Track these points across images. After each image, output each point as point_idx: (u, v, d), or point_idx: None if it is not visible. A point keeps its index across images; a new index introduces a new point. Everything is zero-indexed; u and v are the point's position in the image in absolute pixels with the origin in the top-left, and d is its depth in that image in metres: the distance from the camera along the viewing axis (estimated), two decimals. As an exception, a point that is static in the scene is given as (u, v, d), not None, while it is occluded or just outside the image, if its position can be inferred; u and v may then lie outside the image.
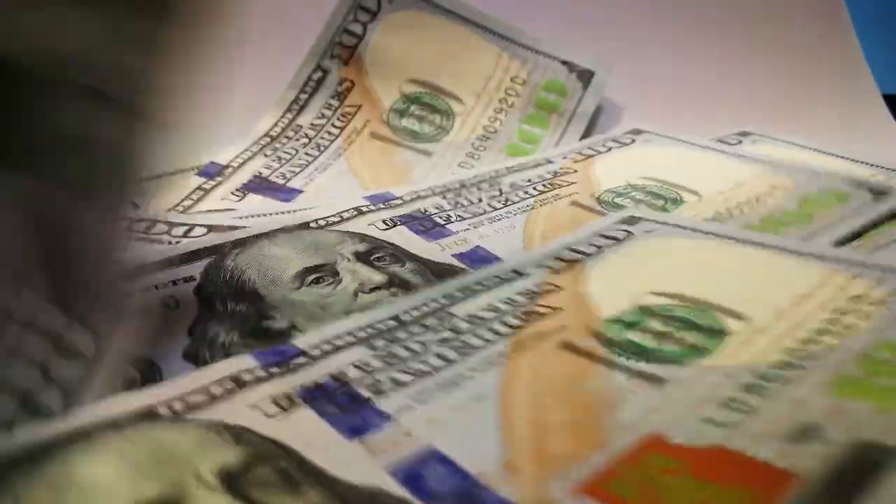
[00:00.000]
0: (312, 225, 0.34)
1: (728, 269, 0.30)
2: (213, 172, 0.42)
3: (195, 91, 0.22)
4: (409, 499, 0.19)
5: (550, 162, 0.42)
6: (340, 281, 0.30)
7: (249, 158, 0.43)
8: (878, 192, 0.37)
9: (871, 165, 0.42)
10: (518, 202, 0.38)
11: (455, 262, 0.33)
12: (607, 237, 0.32)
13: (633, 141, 0.45)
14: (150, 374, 0.25)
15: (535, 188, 0.39)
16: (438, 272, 0.32)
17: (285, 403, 0.22)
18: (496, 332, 0.27)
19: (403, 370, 0.24)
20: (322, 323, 0.27)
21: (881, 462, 0.19)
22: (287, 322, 0.28)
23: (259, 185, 0.41)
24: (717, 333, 0.26)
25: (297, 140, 0.45)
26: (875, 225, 0.35)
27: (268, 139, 0.45)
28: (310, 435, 0.21)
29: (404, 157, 0.45)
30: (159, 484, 0.18)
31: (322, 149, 0.45)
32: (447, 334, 0.26)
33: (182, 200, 0.40)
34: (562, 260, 0.31)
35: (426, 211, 0.36)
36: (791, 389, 0.22)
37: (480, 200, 0.38)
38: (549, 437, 0.21)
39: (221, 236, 0.32)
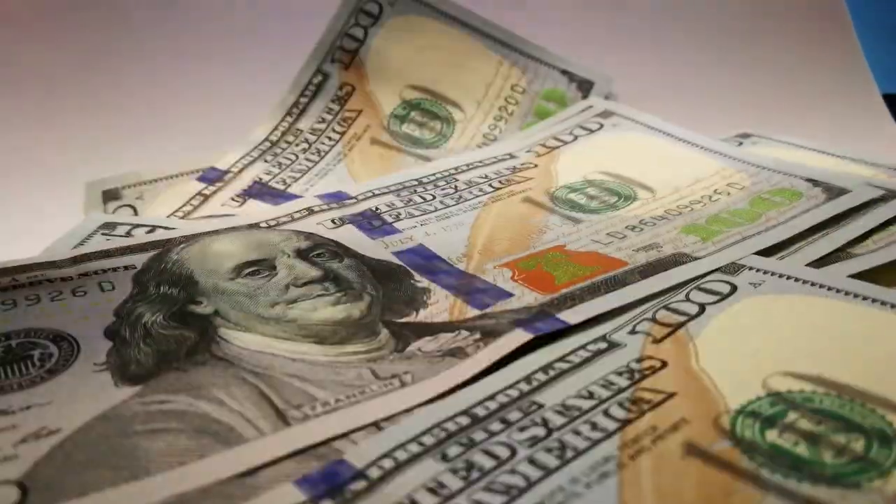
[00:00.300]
0: (262, 225, 0.35)
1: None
2: (213, 178, 0.42)
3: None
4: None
5: (513, 157, 0.43)
6: (276, 274, 0.31)
7: (250, 164, 0.44)
8: (834, 192, 0.36)
9: (873, 164, 0.42)
10: (471, 199, 0.38)
11: (394, 259, 0.33)
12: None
13: (601, 126, 0.45)
14: (68, 348, 0.26)
15: (490, 185, 0.40)
16: (378, 269, 0.33)
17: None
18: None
19: (490, 489, 0.20)
20: (248, 313, 0.29)
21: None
22: (212, 308, 0.29)
23: (259, 190, 0.42)
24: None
25: (297, 145, 0.45)
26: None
27: (268, 144, 0.45)
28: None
29: (405, 162, 0.45)
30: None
31: (322, 154, 0.45)
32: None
33: (183, 206, 0.41)
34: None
35: (377, 209, 0.37)
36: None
37: (433, 198, 0.38)
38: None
39: (171, 233, 0.34)
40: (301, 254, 0.32)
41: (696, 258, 0.31)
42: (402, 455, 0.21)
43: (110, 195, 0.42)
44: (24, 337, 0.27)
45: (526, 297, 0.30)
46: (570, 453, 0.21)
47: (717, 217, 0.35)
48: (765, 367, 0.24)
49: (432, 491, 0.19)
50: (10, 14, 0.52)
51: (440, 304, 0.30)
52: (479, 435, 0.22)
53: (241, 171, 0.43)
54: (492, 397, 0.24)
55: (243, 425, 0.23)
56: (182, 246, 0.33)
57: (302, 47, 0.49)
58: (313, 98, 0.47)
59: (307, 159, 0.44)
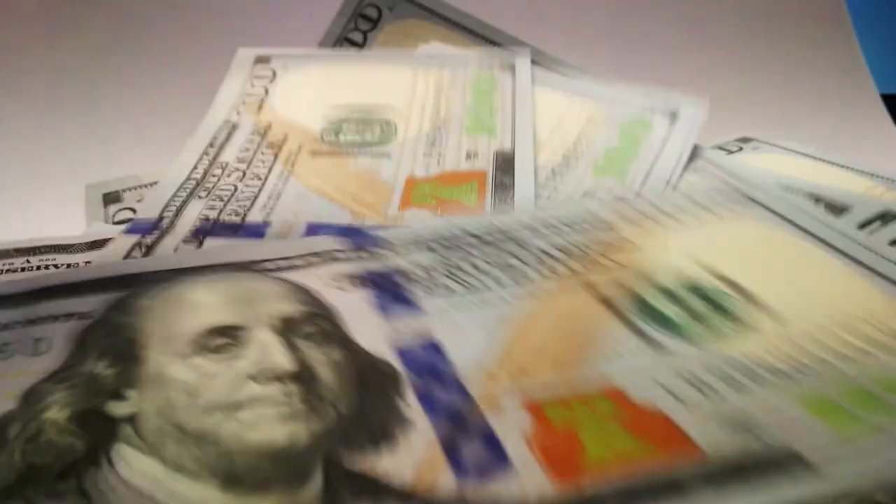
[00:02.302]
0: (268, 265, 0.30)
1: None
2: (146, 227, 0.37)
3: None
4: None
5: (611, 229, 0.34)
6: (240, 354, 0.24)
7: (183, 204, 0.38)
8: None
9: (872, 175, 0.42)
10: (534, 281, 0.30)
11: (392, 358, 0.25)
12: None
13: (733, 212, 0.37)
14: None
15: (567, 265, 0.31)
16: (366, 372, 0.25)
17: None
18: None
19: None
20: (171, 423, 0.23)
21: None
22: (133, 410, 0.23)
23: (212, 227, 0.37)
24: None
25: (228, 176, 0.41)
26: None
27: (193, 182, 0.40)
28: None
29: (364, 162, 0.42)
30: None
31: (262, 178, 0.40)
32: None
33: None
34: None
35: (409, 271, 0.29)
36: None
37: (487, 271, 0.30)
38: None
39: (163, 261, 0.28)
40: (286, 325, 0.25)
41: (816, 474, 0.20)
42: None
43: (111, 198, 0.40)
44: None
45: (530, 476, 0.21)
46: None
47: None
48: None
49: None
50: (11, 16, 0.52)
51: (411, 454, 0.22)
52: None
53: (176, 213, 0.38)
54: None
55: None
56: (149, 287, 0.27)
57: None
58: (228, 139, 0.43)
59: (247, 186, 0.40)
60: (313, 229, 0.36)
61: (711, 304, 0.29)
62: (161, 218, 0.37)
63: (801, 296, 0.29)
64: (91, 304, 0.27)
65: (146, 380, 0.24)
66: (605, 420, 0.23)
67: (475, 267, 0.30)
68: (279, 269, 0.30)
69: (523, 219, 0.34)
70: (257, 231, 0.36)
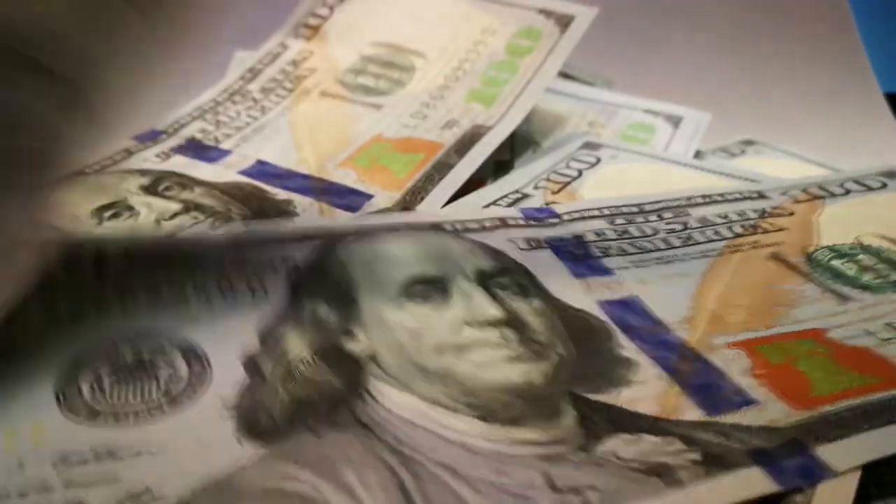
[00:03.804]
0: (447, 227, 0.31)
1: None
2: (147, 137, 0.40)
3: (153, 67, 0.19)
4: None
5: (763, 196, 0.36)
6: (448, 303, 0.25)
7: (187, 123, 0.41)
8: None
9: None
10: (703, 243, 0.32)
11: (596, 311, 0.27)
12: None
13: (884, 186, 0.37)
14: (199, 371, 0.22)
15: (731, 228, 0.33)
16: (573, 321, 0.27)
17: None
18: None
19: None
20: (409, 361, 0.24)
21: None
22: (368, 347, 0.24)
23: (189, 146, 0.39)
24: None
25: (242, 104, 0.43)
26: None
27: (212, 104, 0.43)
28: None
29: (352, 110, 0.42)
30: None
31: (266, 111, 0.43)
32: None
33: (102, 160, 0.37)
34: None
35: (583, 237, 0.31)
36: None
37: (655, 233, 0.31)
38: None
39: (337, 221, 0.32)
40: (482, 278, 0.27)
41: None
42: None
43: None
44: (154, 345, 0.23)
45: (771, 407, 0.22)
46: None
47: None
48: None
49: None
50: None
51: (647, 388, 0.23)
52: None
53: (176, 130, 0.41)
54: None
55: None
56: (349, 241, 0.29)
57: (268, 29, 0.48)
58: (269, 65, 0.46)
59: (249, 116, 0.42)
60: (258, 166, 0.37)
61: (883, 260, 0.30)
62: (163, 132, 0.40)
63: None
64: (296, 253, 0.28)
65: (369, 322, 0.25)
66: (817, 355, 0.25)
67: (643, 232, 0.32)
68: (464, 230, 0.31)
69: (682, 191, 0.34)
70: (213, 157, 0.37)
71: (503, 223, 0.31)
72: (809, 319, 0.27)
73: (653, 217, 0.33)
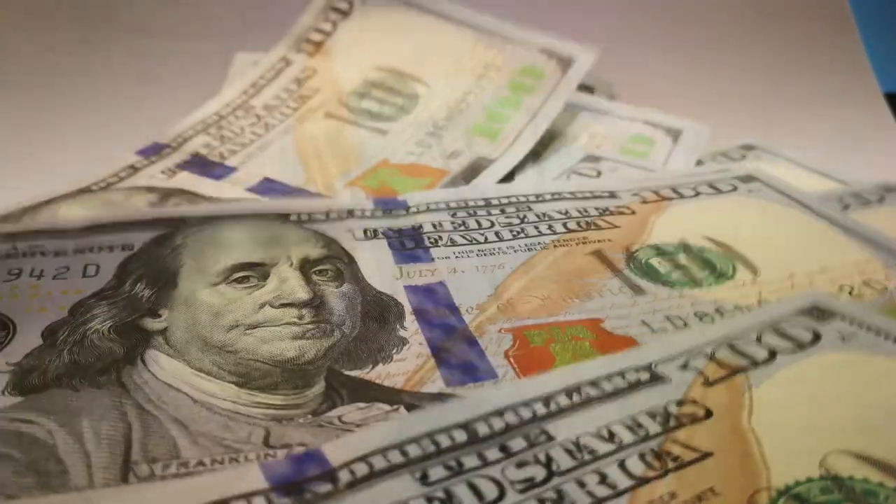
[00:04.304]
0: (292, 218, 0.33)
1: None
2: (151, 151, 0.41)
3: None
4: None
5: (614, 196, 0.37)
6: (262, 286, 0.28)
7: (190, 137, 0.42)
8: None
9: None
10: (533, 237, 0.33)
11: (399, 294, 0.29)
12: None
13: (734, 189, 0.38)
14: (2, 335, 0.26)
15: (565, 224, 0.34)
16: (372, 303, 0.29)
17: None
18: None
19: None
20: (195, 337, 0.26)
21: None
22: (164, 325, 0.26)
23: (195, 163, 0.40)
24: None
25: (246, 119, 0.44)
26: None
27: (216, 117, 0.44)
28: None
29: (358, 135, 0.43)
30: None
31: (270, 128, 0.44)
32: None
33: (107, 177, 0.39)
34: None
35: (420, 227, 0.34)
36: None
37: (491, 225, 0.34)
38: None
39: (198, 209, 0.33)
40: (305, 266, 0.30)
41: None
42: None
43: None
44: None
45: (503, 383, 0.23)
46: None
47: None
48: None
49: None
50: (5, 14, 0.53)
51: (404, 364, 0.26)
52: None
53: (180, 145, 0.42)
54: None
55: (79, 471, 0.21)
56: (194, 230, 0.32)
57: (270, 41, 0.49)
58: (272, 80, 0.47)
59: (253, 133, 0.43)
60: (266, 184, 0.38)
61: (698, 259, 0.32)
62: (167, 146, 0.41)
63: (783, 254, 0.32)
64: (137, 239, 0.31)
65: (178, 301, 0.28)
66: (578, 340, 0.27)
67: (479, 225, 0.34)
68: (308, 220, 0.33)
69: (534, 186, 0.37)
70: (219, 174, 0.39)
71: (350, 214, 0.34)
72: (597, 310, 0.29)
73: (496, 211, 0.34)
